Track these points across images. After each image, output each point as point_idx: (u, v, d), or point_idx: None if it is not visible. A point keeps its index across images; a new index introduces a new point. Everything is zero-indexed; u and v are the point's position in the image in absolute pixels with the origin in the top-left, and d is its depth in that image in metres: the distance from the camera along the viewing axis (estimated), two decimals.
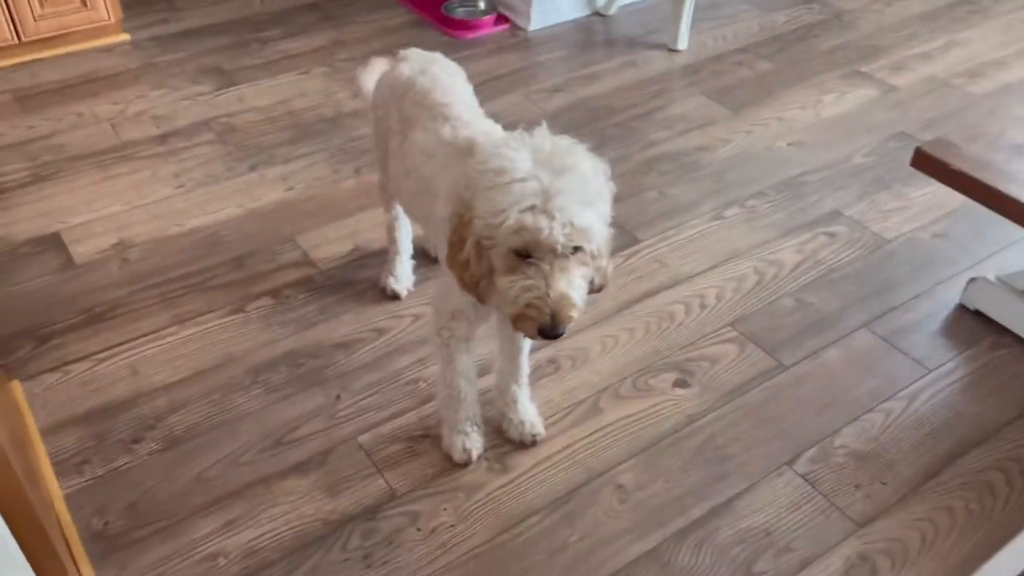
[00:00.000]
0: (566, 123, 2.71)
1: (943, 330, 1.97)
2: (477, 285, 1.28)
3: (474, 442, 1.65)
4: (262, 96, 2.81)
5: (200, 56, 3.06)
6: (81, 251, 2.17)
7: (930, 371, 1.87)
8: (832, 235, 2.25)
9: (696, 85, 2.92)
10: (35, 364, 1.85)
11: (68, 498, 1.58)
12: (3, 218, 2.27)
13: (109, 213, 2.30)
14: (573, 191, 1.18)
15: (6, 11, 2.83)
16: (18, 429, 1.64)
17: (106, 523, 1.54)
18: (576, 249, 1.22)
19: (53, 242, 2.19)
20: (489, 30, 3.27)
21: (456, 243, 1.27)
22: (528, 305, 1.21)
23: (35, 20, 2.91)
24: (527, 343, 1.62)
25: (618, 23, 3.34)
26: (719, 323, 1.99)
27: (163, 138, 2.61)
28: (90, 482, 1.61)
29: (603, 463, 1.67)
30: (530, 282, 1.20)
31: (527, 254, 1.21)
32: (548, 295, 1.20)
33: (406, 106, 1.62)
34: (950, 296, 2.05)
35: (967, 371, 1.86)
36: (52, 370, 1.84)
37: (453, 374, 1.58)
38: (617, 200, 2.24)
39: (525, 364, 1.65)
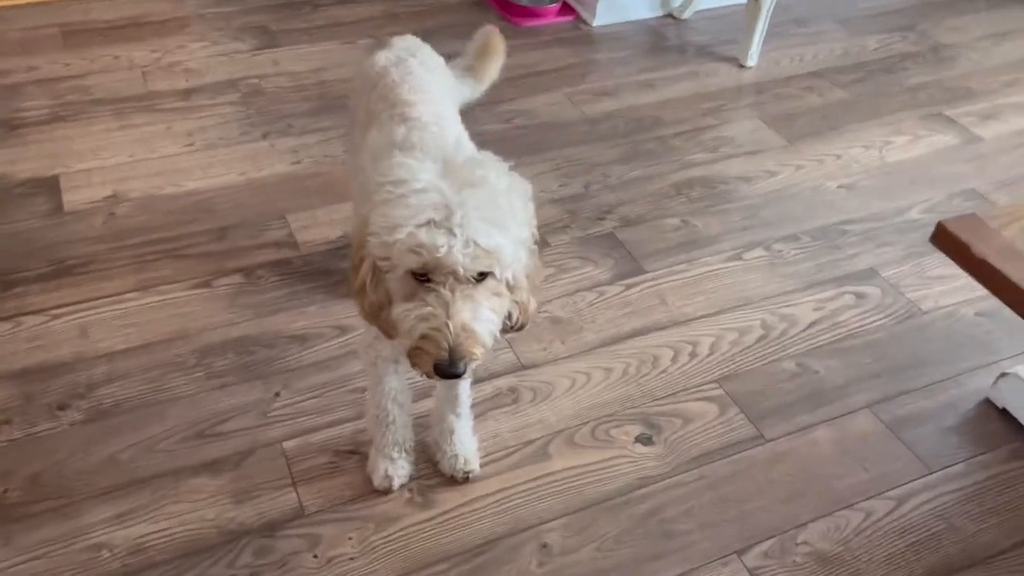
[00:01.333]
0: (603, 131, 2.53)
1: (960, 426, 1.73)
2: (378, 315, 1.14)
3: (398, 469, 1.53)
4: (298, 62, 2.73)
5: (249, 13, 3.00)
6: (73, 199, 2.13)
7: (931, 472, 1.64)
8: (861, 296, 2.02)
9: (755, 107, 2.70)
10: None
11: None
12: (10, 154, 2.26)
13: (112, 163, 2.26)
14: (480, 207, 1.03)
15: None
16: None
17: (5, 491, 1.49)
18: (483, 275, 1.06)
19: (49, 186, 2.17)
20: (552, 20, 3.10)
21: (354, 267, 1.13)
22: (424, 337, 1.06)
23: None
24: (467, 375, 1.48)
25: (691, 29, 3.12)
26: (706, 377, 1.80)
27: (188, 93, 2.56)
28: (4, 444, 1.56)
29: (534, 516, 1.52)
30: (427, 310, 1.05)
31: (426, 278, 1.06)
32: (447, 326, 1.04)
33: (373, 99, 1.49)
34: (978, 387, 1.80)
35: (975, 480, 1.63)
36: (6, 319, 1.80)
37: (381, 395, 1.46)
38: (632, 222, 2.12)
39: (464, 394, 1.51)
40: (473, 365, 1.08)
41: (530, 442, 1.65)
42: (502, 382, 1.75)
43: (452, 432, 1.54)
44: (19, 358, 1.73)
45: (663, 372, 1.81)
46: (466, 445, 1.56)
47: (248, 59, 2.75)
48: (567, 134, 2.51)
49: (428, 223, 1.01)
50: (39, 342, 1.76)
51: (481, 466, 1.58)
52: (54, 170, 2.22)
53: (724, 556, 1.48)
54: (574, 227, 2.16)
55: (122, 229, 2.06)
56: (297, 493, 1.52)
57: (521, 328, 1.20)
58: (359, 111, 1.55)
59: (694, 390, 1.77)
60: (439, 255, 1.01)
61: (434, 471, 1.58)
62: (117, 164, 2.26)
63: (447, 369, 1.06)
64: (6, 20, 2.82)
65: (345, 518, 1.49)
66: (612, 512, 1.54)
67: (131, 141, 2.34)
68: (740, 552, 1.49)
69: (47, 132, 2.35)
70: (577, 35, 3.04)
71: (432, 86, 1.49)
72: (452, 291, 1.04)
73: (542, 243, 2.10)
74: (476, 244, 1.02)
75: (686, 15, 3.16)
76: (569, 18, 3.13)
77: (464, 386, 1.50)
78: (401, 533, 1.48)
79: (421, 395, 1.63)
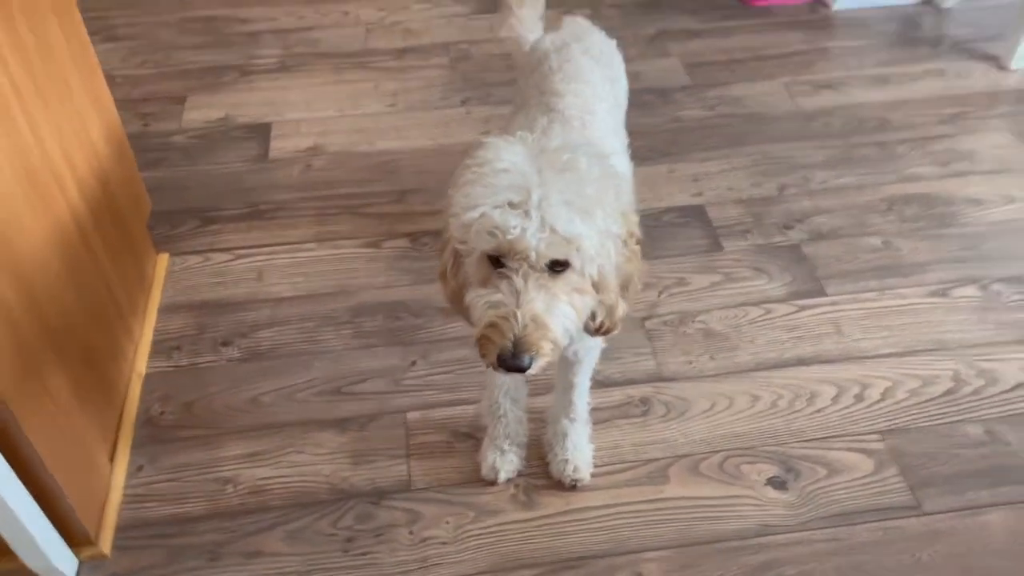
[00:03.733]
0: (816, 129, 2.30)
1: None
2: (459, 303, 1.09)
3: (506, 463, 1.50)
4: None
5: None
6: (278, 147, 2.28)
7: None
8: None
9: (1010, 118, 2.32)
10: (188, 243, 2.00)
11: (147, 378, 1.71)
12: (237, 98, 2.46)
13: (320, 116, 2.39)
14: (563, 192, 0.95)
15: None
16: (138, 300, 1.79)
17: (162, 413, 1.65)
18: (560, 265, 0.99)
19: (261, 132, 2.34)
20: (790, 1, 2.85)
21: (439, 250, 1.09)
22: (491, 325, 0.99)
23: None
24: (583, 380, 1.42)
25: (952, 19, 2.74)
26: (868, 426, 1.60)
27: (402, 52, 2.65)
28: (171, 369, 1.73)
29: (636, 541, 1.44)
30: (497, 297, 0.99)
31: (502, 264, 1.00)
32: (515, 315, 0.98)
33: (530, 84, 1.44)
34: None
35: None
36: (198, 253, 1.98)
37: (494, 387, 1.44)
38: (823, 236, 1.95)
39: (580, 400, 1.45)
40: (541, 362, 1.01)
41: (650, 460, 1.55)
42: (635, 390, 1.66)
43: (565, 436, 1.49)
44: (201, 291, 1.89)
45: (818, 411, 1.63)
46: (579, 452, 1.50)
47: (465, 22, 2.78)
48: (774, 128, 2.31)
49: (504, 204, 0.95)
50: (220, 279, 1.92)
51: (592, 476, 1.51)
52: (268, 117, 2.38)
53: None
54: (755, 233, 1.99)
55: (315, 181, 2.18)
56: (408, 466, 1.55)
57: (606, 333, 1.10)
58: (519, 92, 1.51)
59: (850, 438, 1.58)
60: (511, 237, 0.94)
61: (544, 471, 1.54)
62: (324, 118, 2.38)
63: (510, 361, 0.99)
64: None
65: (447, 501, 1.50)
66: (722, 556, 1.42)
67: (341, 96, 2.46)
68: None
69: (272, 80, 2.53)
70: (814, 18, 2.77)
71: (591, 76, 1.41)
72: (525, 279, 0.97)
73: (714, 245, 1.96)
74: (553, 229, 0.94)
75: (949, 3, 2.77)
76: None
77: (581, 391, 1.44)
78: (497, 528, 1.46)
79: (544, 389, 1.59)
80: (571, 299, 0.99)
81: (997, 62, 2.52)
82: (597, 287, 1.02)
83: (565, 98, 1.34)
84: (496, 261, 0.98)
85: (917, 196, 2.09)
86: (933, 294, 1.84)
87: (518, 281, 0.96)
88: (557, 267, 0.98)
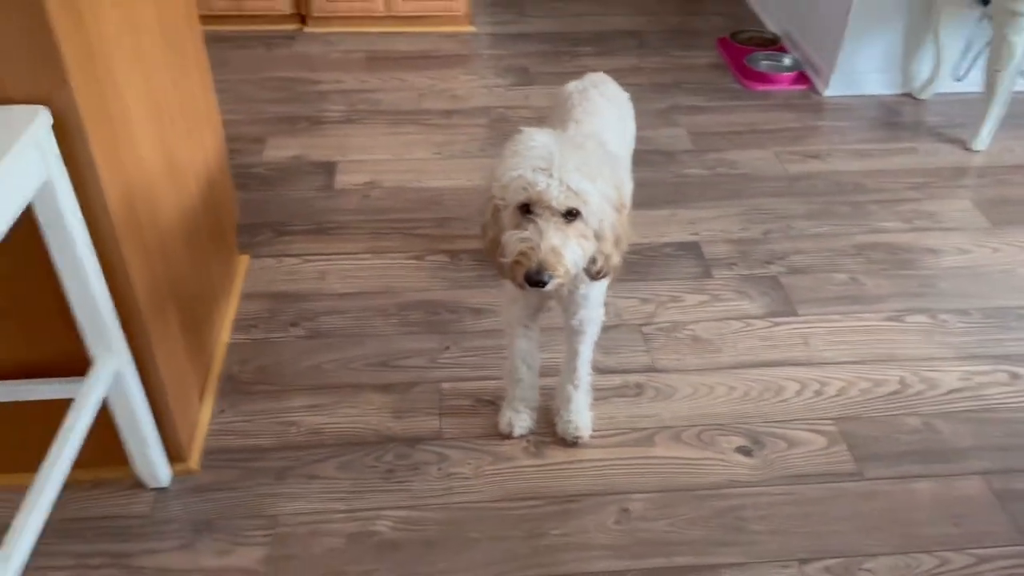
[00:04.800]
0: (800, 188, 2.68)
1: None
2: (494, 251, 1.45)
3: (520, 420, 1.84)
4: (543, 98, 3.17)
5: (517, 56, 3.51)
6: (342, 180, 2.70)
7: None
8: (1016, 376, 2.00)
9: (970, 189, 2.69)
10: (265, 248, 2.39)
11: (229, 346, 2.07)
12: (310, 141, 2.90)
13: (376, 159, 2.81)
14: (576, 162, 1.32)
15: None
16: (226, 288, 2.17)
17: (241, 372, 2.00)
18: (573, 214, 1.34)
19: (328, 168, 2.76)
20: (785, 87, 3.28)
21: (481, 211, 1.47)
22: (521, 253, 1.34)
23: (403, 0, 3.57)
24: (585, 349, 1.75)
25: (926, 109, 3.15)
26: (824, 414, 1.92)
27: (449, 113, 3.09)
28: (248, 341, 2.09)
29: (624, 485, 1.75)
30: (526, 234, 1.34)
31: (530, 213, 1.35)
32: (539, 246, 1.33)
33: (556, 117, 1.84)
34: None
35: None
36: (273, 256, 2.37)
37: (513, 354, 1.78)
38: (799, 270, 2.31)
39: (582, 369, 1.79)
40: (556, 281, 1.34)
41: (640, 429, 1.88)
42: (631, 377, 2.00)
43: (569, 401, 1.82)
44: (274, 285, 2.27)
45: (783, 401, 1.95)
46: (580, 415, 1.83)
47: (504, 92, 3.24)
48: (764, 187, 2.69)
49: (535, 168, 1.32)
50: (290, 276, 2.30)
51: (591, 437, 1.84)
52: (333, 158, 2.81)
53: (786, 560, 1.61)
54: (741, 265, 2.35)
55: (371, 207, 2.58)
56: (440, 421, 1.88)
57: (602, 276, 1.45)
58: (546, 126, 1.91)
59: (808, 422, 1.90)
60: (539, 189, 1.31)
61: (551, 432, 1.86)
62: (380, 160, 2.81)
63: (534, 276, 1.33)
64: (331, 43, 3.56)
65: (470, 448, 1.83)
66: (695, 500, 1.73)
67: (395, 145, 2.90)
68: (803, 561, 1.61)
69: (338, 129, 2.98)
70: (806, 102, 3.20)
71: (605, 113, 1.81)
72: (547, 223, 1.33)
73: (705, 273, 2.32)
74: (568, 186, 1.31)
75: (925, 95, 3.19)
76: (803, 87, 3.29)
77: (583, 360, 1.77)
78: (510, 470, 1.78)
79: (552, 372, 1.92)
80: (579, 241, 1.36)
81: (963, 144, 2.91)
82: (597, 237, 1.38)
83: (582, 124, 1.74)
84: (525, 211, 1.35)
85: (883, 244, 2.45)
86: (889, 319, 2.18)
87: (542, 224, 1.33)
88: (570, 216, 1.34)
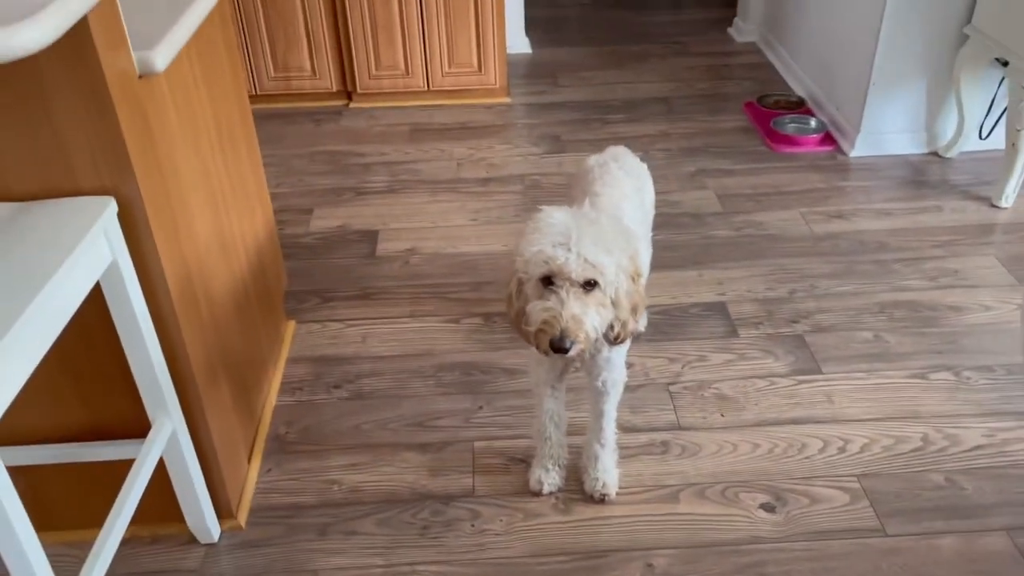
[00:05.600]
0: (824, 248, 2.75)
1: None
2: (519, 321, 1.56)
3: (550, 478, 1.92)
4: (574, 165, 3.30)
5: (550, 125, 3.67)
6: (383, 247, 2.85)
7: None
8: None
9: (995, 246, 2.73)
10: (311, 314, 2.54)
11: (276, 408, 2.20)
12: (354, 211, 3.07)
13: (416, 227, 2.97)
14: (591, 236, 1.44)
15: (424, 66, 3.74)
16: (274, 352, 2.31)
17: (287, 432, 2.12)
18: (592, 284, 1.45)
19: (370, 236, 2.92)
20: (811, 148, 3.37)
21: (506, 285, 1.58)
22: (544, 322, 1.45)
23: (443, 75, 3.78)
24: (610, 409, 1.84)
25: (952, 167, 3.21)
26: (847, 471, 1.96)
27: (486, 181, 3.24)
28: (294, 403, 2.22)
29: (649, 541, 1.82)
30: (549, 304, 1.45)
31: (551, 285, 1.46)
32: (561, 315, 1.43)
33: (578, 190, 1.96)
34: None
35: None
36: (318, 322, 2.51)
37: (541, 414, 1.87)
38: (824, 329, 2.38)
39: (608, 427, 1.87)
40: (578, 347, 1.45)
41: (666, 486, 1.94)
42: (657, 435, 2.07)
43: (596, 459, 1.90)
44: (319, 349, 2.40)
45: (807, 458, 2.00)
46: (607, 473, 1.90)
47: (538, 160, 3.38)
48: (789, 247, 2.77)
49: (554, 244, 1.44)
50: (334, 340, 2.43)
51: (617, 494, 1.91)
52: (376, 226, 2.97)
53: None
54: (766, 324, 2.42)
55: (411, 273, 2.72)
56: (473, 479, 1.97)
57: (620, 340, 1.55)
58: (569, 199, 2.03)
59: (831, 479, 1.94)
60: (560, 263, 1.43)
61: (579, 489, 1.94)
62: (419, 227, 2.96)
63: (557, 343, 1.44)
64: (375, 118, 3.76)
65: (502, 505, 1.91)
66: (718, 556, 1.78)
67: (434, 212, 3.05)
68: None
69: (380, 199, 3.14)
70: (832, 164, 3.28)
71: (623, 184, 1.92)
72: (567, 293, 1.44)
73: (731, 332, 2.39)
74: (585, 259, 1.42)
75: (950, 154, 3.25)
76: (829, 148, 3.38)
77: (608, 419, 1.86)
78: (540, 526, 1.86)
79: (579, 431, 2.01)
80: (597, 309, 1.46)
81: (989, 201, 2.96)
82: (615, 304, 1.48)
83: (601, 196, 1.85)
84: (547, 283, 1.46)
85: (906, 302, 2.49)
86: (913, 376, 2.22)
87: (563, 294, 1.44)
88: (588, 286, 1.45)
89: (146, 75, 1.44)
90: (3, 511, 1.16)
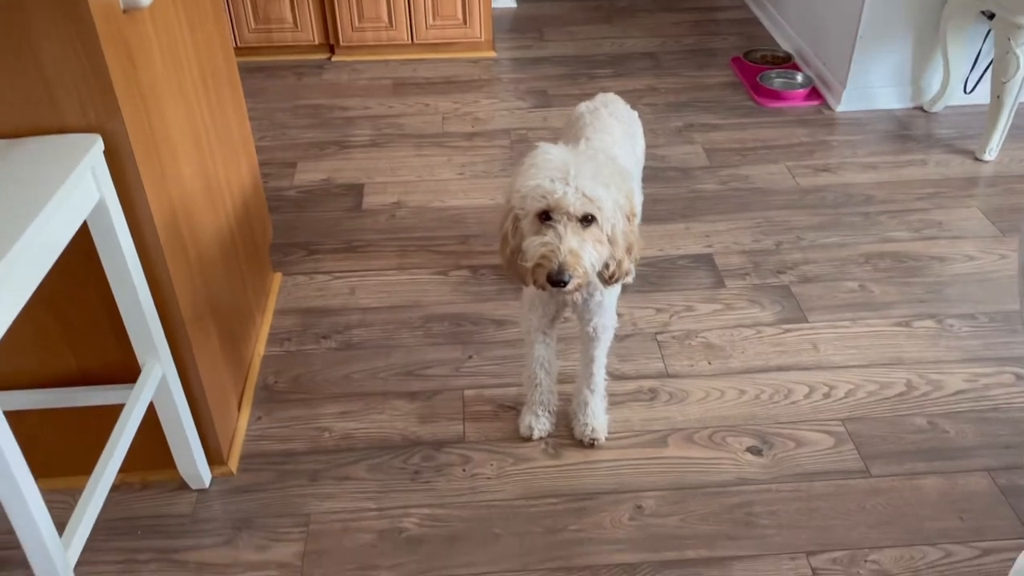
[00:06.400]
0: (811, 201, 2.76)
1: None
2: (514, 261, 1.55)
3: (540, 424, 1.93)
4: (561, 119, 3.28)
5: (536, 79, 3.63)
6: (369, 201, 2.83)
7: None
8: (1021, 377, 2.06)
9: (978, 199, 2.76)
10: (297, 267, 2.52)
11: (265, 358, 2.19)
12: (337, 165, 3.04)
13: (402, 180, 2.94)
14: (589, 171, 1.43)
15: (408, 19, 3.68)
16: (261, 303, 2.30)
17: (276, 382, 2.12)
18: (589, 220, 1.44)
19: (356, 190, 2.89)
20: (797, 103, 3.37)
21: (500, 224, 1.57)
22: (542, 256, 1.44)
23: (427, 28, 3.72)
24: (600, 355, 1.85)
25: (937, 121, 3.22)
26: (832, 415, 1.99)
27: (471, 136, 3.22)
28: (283, 353, 2.21)
29: (637, 483, 1.84)
30: (547, 238, 1.44)
31: (548, 218, 1.45)
32: (559, 248, 1.43)
33: (569, 133, 1.95)
34: None
35: None
36: (305, 274, 2.50)
37: (532, 360, 1.88)
38: (809, 279, 2.39)
39: (598, 374, 1.88)
40: (575, 281, 1.44)
41: (654, 431, 1.96)
42: (645, 383, 2.09)
43: (586, 405, 1.91)
44: (306, 301, 2.39)
45: (792, 403, 2.02)
46: (596, 418, 1.92)
47: (524, 114, 3.36)
48: (775, 200, 2.78)
49: (552, 178, 1.43)
50: (321, 292, 2.42)
51: (607, 439, 1.93)
52: (361, 180, 2.95)
53: (794, 552, 1.69)
54: (753, 275, 2.43)
55: (397, 226, 2.70)
56: (464, 426, 1.99)
57: (615, 280, 1.55)
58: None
59: (816, 423, 1.97)
60: (557, 196, 1.42)
61: (569, 435, 1.95)
62: (405, 181, 2.94)
63: (555, 276, 1.43)
64: (358, 71, 3.72)
65: (492, 451, 1.92)
66: (705, 497, 1.81)
67: (420, 166, 3.03)
68: (810, 553, 1.68)
69: (365, 153, 3.12)
70: (818, 118, 3.28)
71: (613, 129, 1.92)
72: (566, 228, 1.44)
73: (718, 283, 2.40)
74: (584, 193, 1.41)
75: (935, 108, 3.26)
76: (815, 103, 3.37)
77: (599, 365, 1.87)
78: (530, 470, 1.88)
79: (568, 379, 2.02)
80: (594, 244, 1.46)
81: (973, 155, 2.98)
82: (611, 241, 1.48)
83: (592, 142, 1.84)
84: (544, 218, 1.46)
85: (891, 253, 2.52)
86: (897, 324, 2.25)
87: (561, 228, 1.43)
88: (586, 221, 1.44)
89: (130, 9, 1.40)
90: (2, 455, 1.15)
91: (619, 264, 1.52)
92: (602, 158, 1.48)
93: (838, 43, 3.30)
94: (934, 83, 3.26)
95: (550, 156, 1.46)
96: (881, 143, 3.10)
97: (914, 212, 2.70)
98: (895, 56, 3.21)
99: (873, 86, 3.27)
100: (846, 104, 3.30)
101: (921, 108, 3.30)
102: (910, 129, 3.18)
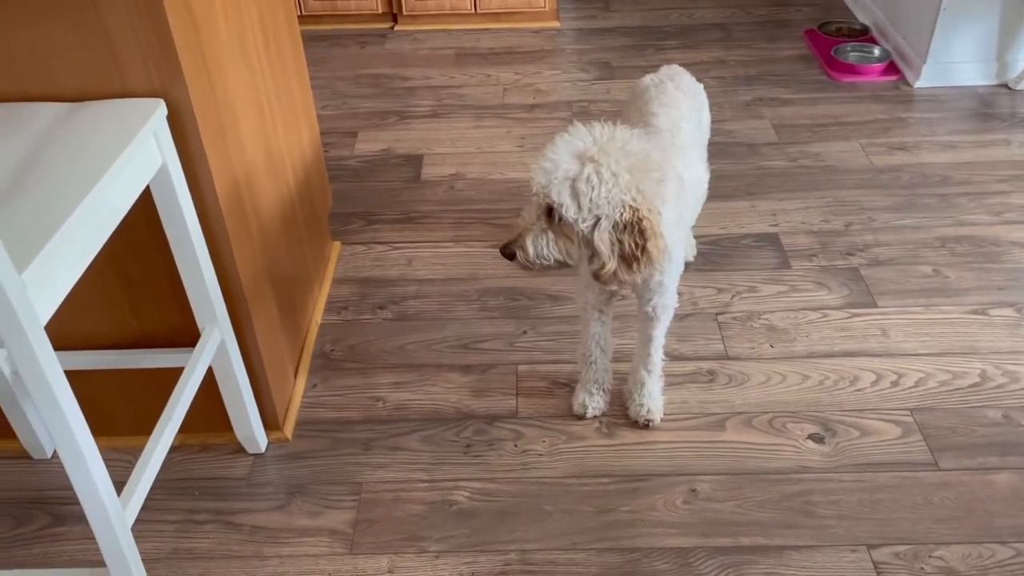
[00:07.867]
0: (884, 180, 2.66)
1: None
2: None
3: (594, 402, 1.90)
4: (624, 92, 3.21)
5: (600, 51, 3.56)
6: (428, 172, 2.82)
7: None
8: None
9: None
10: (356, 236, 2.53)
11: (322, 326, 2.20)
12: (398, 135, 3.03)
13: (461, 151, 2.92)
14: (574, 166, 1.39)
15: None
16: (319, 272, 2.31)
17: (332, 350, 2.13)
18: (552, 213, 1.43)
19: (415, 161, 2.88)
20: (873, 78, 3.24)
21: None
22: (510, 226, 1.48)
23: None
24: (658, 335, 1.80)
25: (1022, 100, 3.06)
26: (900, 404, 1.91)
27: (532, 107, 3.17)
28: (339, 321, 2.22)
29: (693, 467, 1.80)
30: (523, 212, 1.50)
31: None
32: (518, 224, 1.49)
33: (632, 110, 1.89)
34: None
35: None
36: (363, 244, 2.50)
37: (587, 337, 1.85)
38: (881, 263, 2.30)
39: (655, 354, 1.83)
40: (521, 260, 1.48)
41: (712, 414, 1.92)
42: (705, 364, 2.04)
43: (643, 385, 1.87)
44: (364, 270, 2.40)
45: (858, 391, 1.95)
46: (652, 399, 1.88)
47: (587, 86, 3.30)
48: (847, 179, 2.67)
49: (541, 164, 1.43)
50: (379, 263, 2.42)
51: (662, 421, 1.89)
52: (420, 150, 2.93)
53: (854, 544, 1.63)
54: (820, 256, 2.35)
55: (455, 198, 2.68)
56: (517, 401, 1.97)
57: (600, 280, 1.50)
58: (624, 120, 1.96)
59: (883, 412, 1.90)
60: (532, 179, 1.44)
61: (623, 415, 1.92)
62: (464, 152, 2.91)
63: (502, 246, 1.50)
64: (419, 41, 3.69)
65: (545, 427, 1.90)
66: (763, 484, 1.76)
67: (480, 138, 2.99)
68: (872, 546, 1.63)
69: (425, 123, 3.10)
70: (895, 94, 3.15)
71: (680, 104, 1.85)
72: (532, 209, 1.47)
73: (784, 264, 2.33)
74: (548, 190, 1.41)
75: (1021, 86, 3.09)
76: (893, 78, 3.24)
77: (656, 345, 1.82)
78: (583, 448, 1.85)
79: (627, 357, 1.98)
80: (555, 237, 1.45)
81: None
82: (588, 245, 1.44)
83: (659, 116, 1.78)
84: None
85: (968, 237, 2.40)
86: (973, 312, 2.15)
87: (529, 208, 1.47)
88: (551, 213, 1.43)
89: None
90: (61, 413, 1.17)
91: (601, 266, 1.46)
92: (633, 148, 1.43)
93: (919, 15, 3.15)
94: (1021, 59, 3.09)
95: (559, 141, 1.43)
96: (961, 121, 2.95)
97: (994, 195, 2.57)
98: (980, 30, 3.05)
99: (955, 61, 3.11)
100: (925, 80, 3.15)
101: (1006, 85, 3.13)
102: (993, 107, 3.03)
